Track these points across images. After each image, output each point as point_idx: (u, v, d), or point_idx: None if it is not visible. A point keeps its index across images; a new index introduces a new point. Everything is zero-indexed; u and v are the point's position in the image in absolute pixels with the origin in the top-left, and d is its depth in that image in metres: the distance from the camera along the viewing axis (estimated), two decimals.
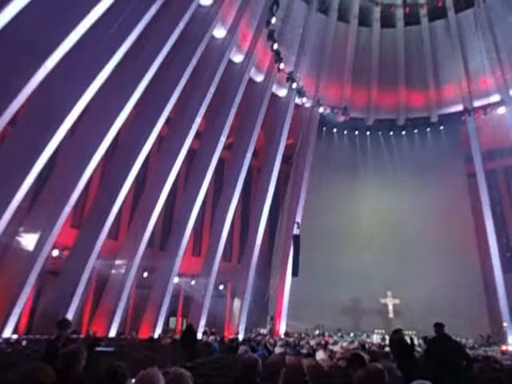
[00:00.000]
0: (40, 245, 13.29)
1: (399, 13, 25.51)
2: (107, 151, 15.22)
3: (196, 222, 20.00)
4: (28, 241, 13.30)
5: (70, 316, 13.77)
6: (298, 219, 22.54)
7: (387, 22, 25.79)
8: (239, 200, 22.06)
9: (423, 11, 25.11)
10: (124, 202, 16.72)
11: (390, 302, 21.70)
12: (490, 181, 23.79)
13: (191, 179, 20.55)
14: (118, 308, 16.48)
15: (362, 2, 25.24)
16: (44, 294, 15.86)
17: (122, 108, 14.87)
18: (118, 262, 17.68)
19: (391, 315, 21.58)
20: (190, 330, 11.05)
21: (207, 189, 20.17)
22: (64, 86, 12.57)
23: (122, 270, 17.27)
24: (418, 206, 23.17)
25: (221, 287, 22.65)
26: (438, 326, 6.00)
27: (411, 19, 25.42)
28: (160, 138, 18.48)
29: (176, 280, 19.37)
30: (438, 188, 22.92)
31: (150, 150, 17.32)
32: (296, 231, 20.26)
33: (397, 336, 6.77)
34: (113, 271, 17.52)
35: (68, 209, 13.92)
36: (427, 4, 24.87)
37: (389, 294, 21.77)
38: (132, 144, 16.65)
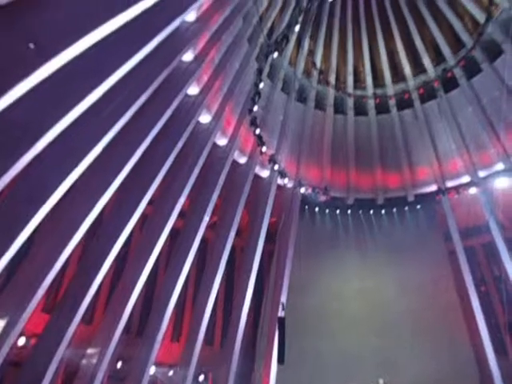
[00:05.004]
0: (6, 332, 12.28)
1: (371, 102, 27.98)
2: (88, 230, 14.95)
3: (177, 304, 19.09)
4: None
5: None
6: (283, 299, 21.83)
7: (360, 110, 28.19)
8: (222, 281, 21.43)
9: (392, 102, 27.56)
10: (102, 282, 16.00)
11: None
12: (471, 258, 24.00)
13: (173, 259, 20.08)
14: None
15: (336, 93, 27.70)
16: None
17: (105, 189, 14.93)
18: (90, 350, 16.33)
19: None
20: None
21: (189, 269, 19.64)
22: (50, 167, 12.71)
23: (94, 360, 15.90)
24: (401, 284, 22.94)
25: (201, 378, 20.88)
26: None
27: (382, 108, 27.90)
28: (144, 217, 18.40)
29: (152, 370, 17.86)
30: (421, 266, 22.88)
31: (133, 230, 17.10)
32: (281, 313, 19.45)
33: None
34: (83, 361, 16.10)
35: (41, 291, 13.15)
36: (395, 96, 27.45)
37: (381, 381, 20.51)
38: (115, 223, 16.48)
